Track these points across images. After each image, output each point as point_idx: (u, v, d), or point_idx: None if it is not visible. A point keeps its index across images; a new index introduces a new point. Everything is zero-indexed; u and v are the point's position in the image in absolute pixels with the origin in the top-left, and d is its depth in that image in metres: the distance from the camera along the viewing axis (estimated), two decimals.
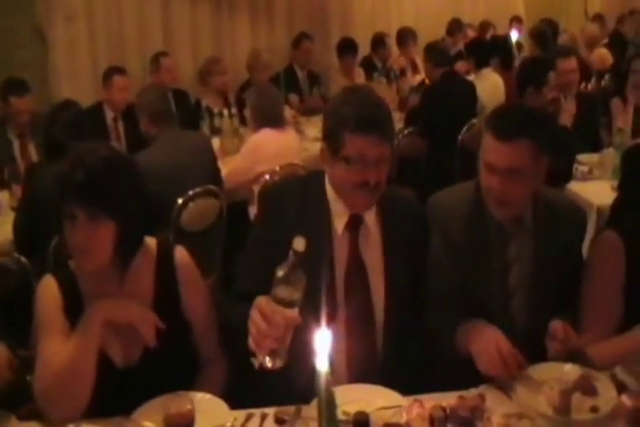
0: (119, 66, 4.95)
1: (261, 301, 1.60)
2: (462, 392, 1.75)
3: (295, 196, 1.99)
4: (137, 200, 1.79)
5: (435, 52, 5.16)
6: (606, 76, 5.95)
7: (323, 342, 1.19)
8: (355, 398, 1.72)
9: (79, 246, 1.73)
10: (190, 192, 3.56)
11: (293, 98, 5.69)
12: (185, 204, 3.55)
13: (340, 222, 1.95)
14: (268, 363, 1.55)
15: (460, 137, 4.73)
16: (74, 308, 1.80)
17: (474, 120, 4.82)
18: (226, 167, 4.04)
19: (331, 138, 1.89)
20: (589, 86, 6.05)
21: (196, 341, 1.93)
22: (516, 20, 8.30)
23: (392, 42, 6.95)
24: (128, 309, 1.79)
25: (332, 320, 1.66)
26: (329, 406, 1.21)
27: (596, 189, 3.60)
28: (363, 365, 1.95)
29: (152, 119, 3.67)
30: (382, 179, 1.88)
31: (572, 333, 1.85)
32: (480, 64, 5.44)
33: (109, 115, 4.70)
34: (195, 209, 3.60)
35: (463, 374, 1.89)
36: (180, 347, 1.88)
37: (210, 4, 6.16)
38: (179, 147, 3.68)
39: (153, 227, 3.53)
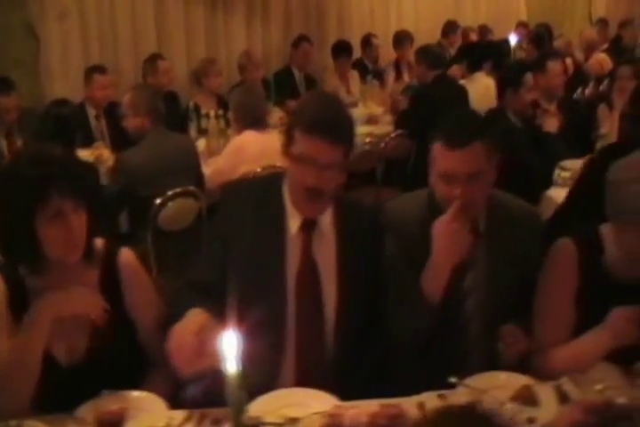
0: (100, 64, 4.95)
1: (179, 330, 1.66)
2: (404, 399, 1.73)
3: (253, 194, 2.00)
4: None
5: (428, 55, 5.12)
6: (605, 82, 5.89)
7: (230, 345, 1.18)
8: (294, 401, 1.72)
9: (71, 240, 1.74)
10: (169, 192, 3.57)
11: (288, 102, 5.67)
12: (163, 203, 3.56)
13: (294, 223, 1.95)
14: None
15: None
16: (20, 304, 1.79)
17: None
18: (209, 168, 4.04)
19: (287, 133, 1.90)
20: (586, 91, 5.99)
21: (143, 341, 1.93)
22: (522, 26, 8.27)
23: (380, 43, 6.93)
24: (74, 300, 1.79)
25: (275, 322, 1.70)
26: (237, 409, 1.20)
27: None
28: (312, 366, 1.94)
29: (149, 116, 3.68)
30: (327, 186, 1.86)
31: (521, 337, 1.85)
32: (472, 68, 5.42)
33: (91, 113, 4.72)
34: (173, 209, 3.61)
35: (416, 379, 1.89)
36: (125, 346, 1.88)
37: (205, 3, 6.13)
38: (165, 148, 3.69)
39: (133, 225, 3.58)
